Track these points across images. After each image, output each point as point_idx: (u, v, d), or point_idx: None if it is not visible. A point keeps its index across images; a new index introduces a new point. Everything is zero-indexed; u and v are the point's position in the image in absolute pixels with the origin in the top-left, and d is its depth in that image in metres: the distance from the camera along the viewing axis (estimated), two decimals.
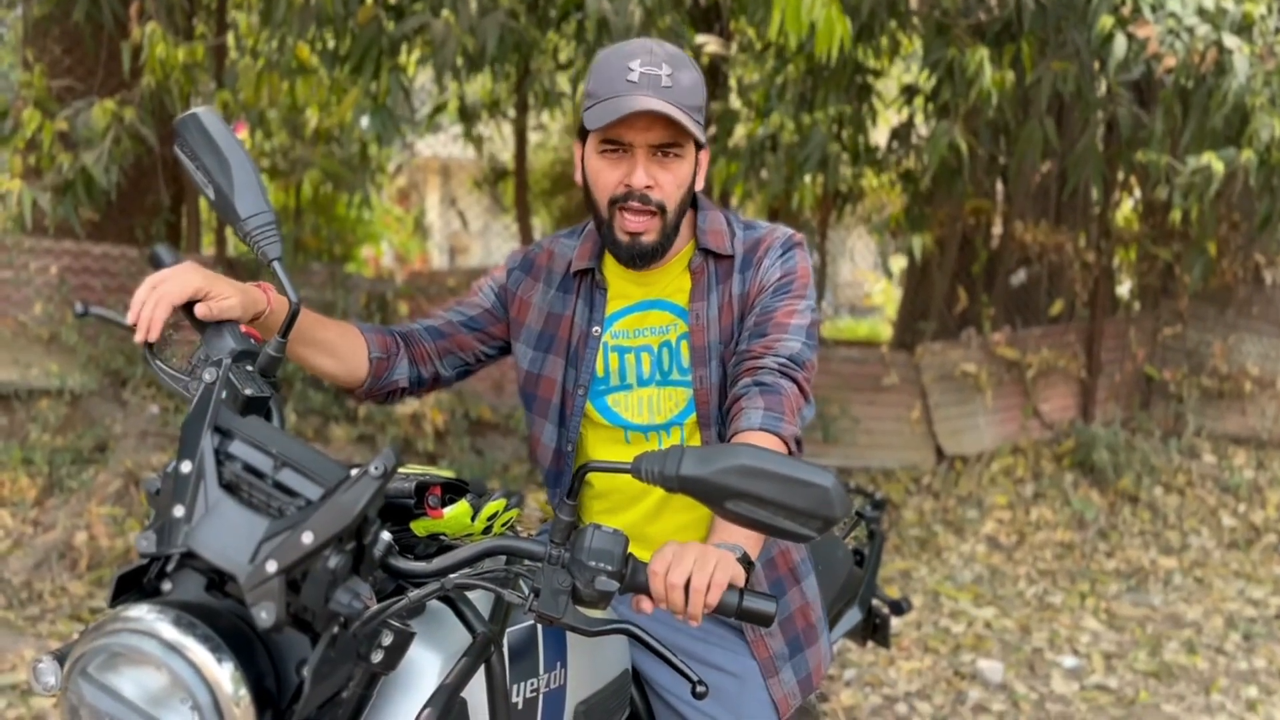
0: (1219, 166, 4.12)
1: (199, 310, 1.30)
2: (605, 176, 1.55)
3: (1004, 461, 6.02)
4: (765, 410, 1.47)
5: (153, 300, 1.28)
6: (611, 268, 1.68)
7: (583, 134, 1.59)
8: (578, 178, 1.63)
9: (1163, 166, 4.49)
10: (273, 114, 6.05)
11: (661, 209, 1.54)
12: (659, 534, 1.63)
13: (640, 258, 1.58)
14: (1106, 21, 3.87)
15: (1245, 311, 6.81)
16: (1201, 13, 3.81)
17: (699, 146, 1.58)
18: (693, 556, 1.22)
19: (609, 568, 1.17)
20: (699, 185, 1.63)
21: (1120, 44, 3.85)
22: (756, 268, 1.62)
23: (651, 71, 1.50)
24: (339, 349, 1.59)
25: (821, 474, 1.11)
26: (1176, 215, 4.77)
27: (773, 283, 1.60)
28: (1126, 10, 3.94)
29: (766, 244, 1.63)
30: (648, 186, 1.53)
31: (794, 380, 1.52)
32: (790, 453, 1.47)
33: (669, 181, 1.54)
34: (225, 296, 1.31)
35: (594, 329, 1.65)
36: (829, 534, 2.18)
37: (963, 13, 4.03)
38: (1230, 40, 3.78)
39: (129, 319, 1.30)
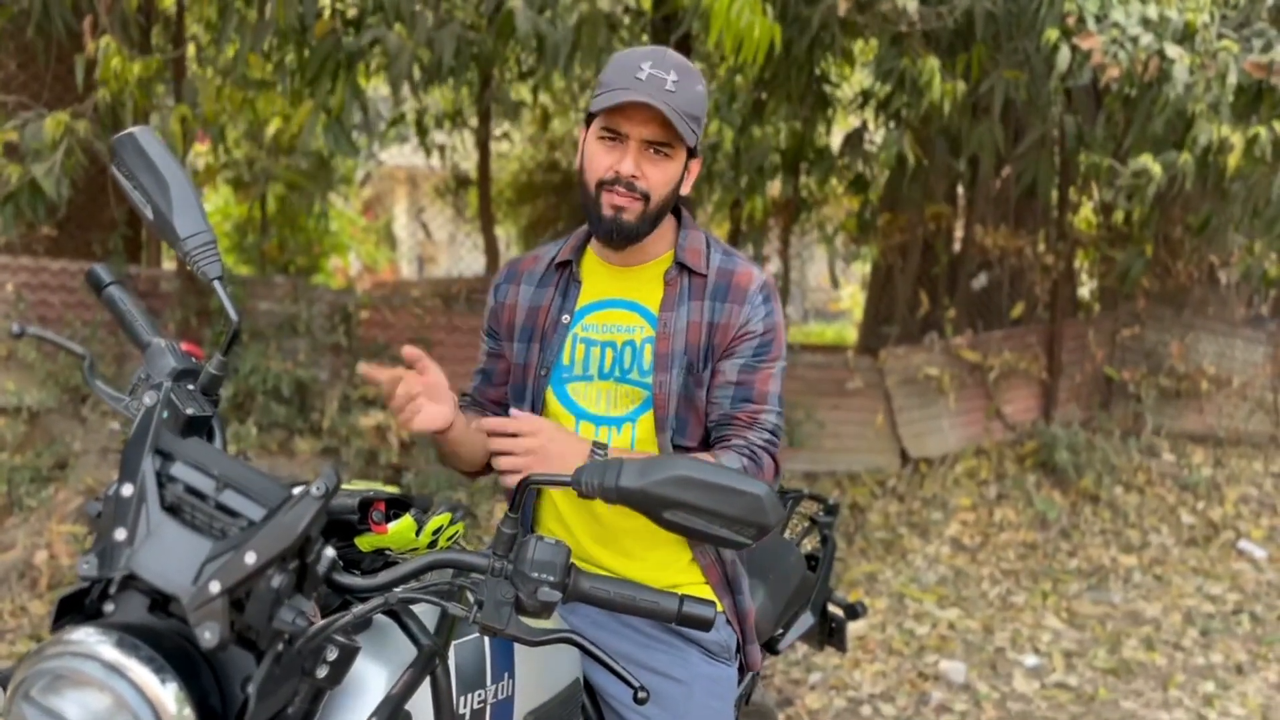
0: (1157, 169, 4.21)
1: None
2: (599, 160, 1.64)
3: (967, 463, 6.08)
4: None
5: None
6: (590, 263, 1.76)
7: (588, 120, 1.68)
8: (578, 161, 1.71)
9: (1104, 169, 4.58)
10: (235, 127, 6.01)
11: (645, 197, 1.63)
12: (618, 529, 1.67)
13: (619, 233, 1.65)
14: (1051, 34, 3.96)
15: (1201, 312, 6.93)
16: (1145, 23, 3.90)
17: (691, 154, 1.67)
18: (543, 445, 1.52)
19: (551, 578, 1.20)
20: (686, 189, 1.72)
21: (1064, 56, 3.94)
22: (733, 307, 1.68)
23: (659, 74, 1.59)
24: (478, 455, 1.72)
25: (755, 483, 1.15)
26: (1119, 216, 4.85)
27: (755, 335, 1.67)
28: (1072, 21, 4.02)
29: (744, 287, 1.69)
30: (634, 176, 1.61)
31: (772, 456, 1.66)
32: None
33: (656, 176, 1.63)
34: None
35: (564, 317, 1.73)
36: (782, 539, 2.21)
37: (913, 22, 4.09)
38: (1172, 50, 3.87)
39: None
